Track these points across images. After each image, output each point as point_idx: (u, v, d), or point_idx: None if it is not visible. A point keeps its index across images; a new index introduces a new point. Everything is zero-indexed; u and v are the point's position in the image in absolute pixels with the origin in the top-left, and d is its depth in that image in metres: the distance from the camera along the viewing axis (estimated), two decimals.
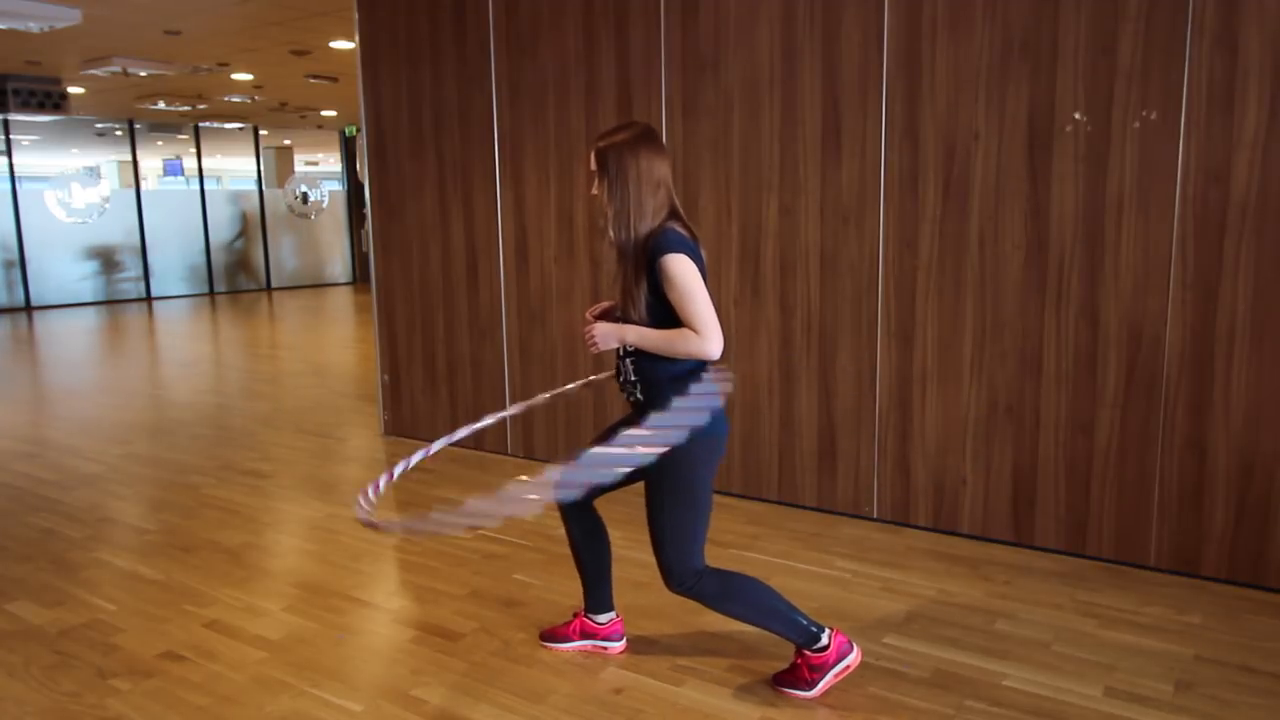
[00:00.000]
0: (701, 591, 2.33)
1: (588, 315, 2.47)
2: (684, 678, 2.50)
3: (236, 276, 15.33)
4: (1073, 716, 2.28)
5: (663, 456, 2.18)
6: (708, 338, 2.19)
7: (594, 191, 2.32)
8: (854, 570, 3.22)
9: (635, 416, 2.34)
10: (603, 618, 2.65)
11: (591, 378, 2.81)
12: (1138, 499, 3.18)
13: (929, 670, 2.52)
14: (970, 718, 2.28)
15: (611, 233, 2.29)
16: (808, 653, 2.38)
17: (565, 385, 2.90)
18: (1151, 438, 3.13)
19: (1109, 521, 3.24)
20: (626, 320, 2.29)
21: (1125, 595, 2.99)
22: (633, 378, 2.32)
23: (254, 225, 15.50)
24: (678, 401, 2.21)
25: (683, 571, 2.30)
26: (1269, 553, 2.99)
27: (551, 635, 2.69)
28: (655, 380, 2.29)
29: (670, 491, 2.28)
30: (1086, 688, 2.41)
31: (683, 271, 2.19)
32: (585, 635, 2.66)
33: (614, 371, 2.43)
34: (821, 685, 2.37)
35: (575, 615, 2.70)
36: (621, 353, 2.35)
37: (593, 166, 2.31)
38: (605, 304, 2.49)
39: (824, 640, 2.36)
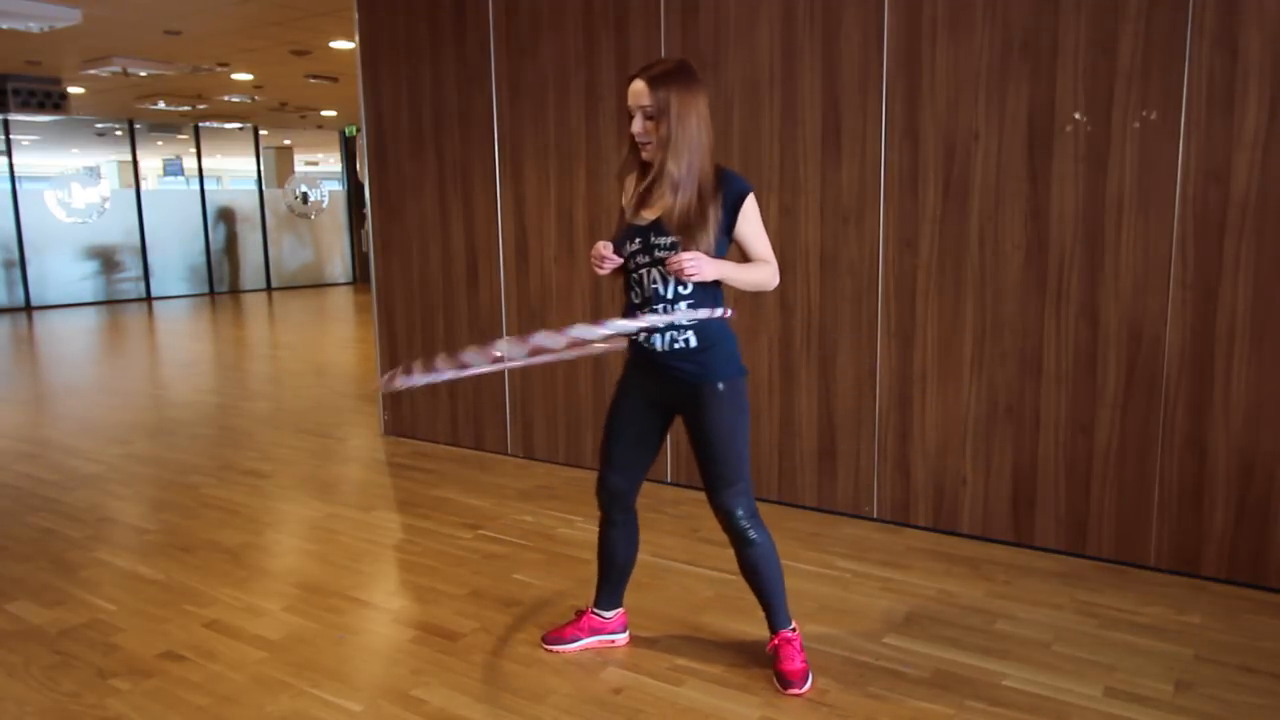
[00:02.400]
0: (759, 526, 2.42)
1: (600, 252, 2.32)
2: (684, 678, 2.50)
3: (223, 279, 15.28)
4: (1073, 716, 2.28)
5: (727, 385, 2.33)
6: (777, 269, 2.40)
7: (637, 128, 2.26)
8: (854, 570, 3.22)
9: (676, 364, 2.35)
10: (611, 613, 2.67)
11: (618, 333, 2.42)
12: (1138, 499, 3.18)
13: (929, 670, 2.52)
14: (970, 718, 2.28)
15: (673, 168, 2.24)
16: (788, 633, 2.47)
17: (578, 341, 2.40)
18: (1151, 438, 3.13)
19: (1109, 521, 3.24)
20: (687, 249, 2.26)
21: (1125, 595, 2.99)
22: (684, 321, 2.31)
23: (242, 227, 15.44)
24: (730, 345, 2.36)
25: (750, 501, 2.40)
26: (1269, 553, 2.99)
27: (558, 638, 2.67)
28: (708, 324, 2.33)
29: (736, 420, 2.36)
30: (1086, 688, 2.41)
31: (757, 207, 2.38)
32: (594, 632, 2.66)
33: (638, 327, 2.32)
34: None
35: (580, 614, 2.69)
36: (670, 295, 2.30)
37: (644, 101, 2.24)
38: (607, 246, 2.34)
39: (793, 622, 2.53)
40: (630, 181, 2.45)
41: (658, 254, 2.30)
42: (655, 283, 2.32)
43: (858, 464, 3.71)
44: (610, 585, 2.65)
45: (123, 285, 14.09)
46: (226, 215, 15.18)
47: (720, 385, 2.34)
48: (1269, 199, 2.86)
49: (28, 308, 13.04)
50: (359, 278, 16.83)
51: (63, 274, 13.42)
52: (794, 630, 2.50)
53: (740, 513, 2.40)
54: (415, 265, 5.02)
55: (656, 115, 2.24)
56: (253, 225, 15.52)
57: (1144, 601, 2.94)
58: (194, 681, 2.52)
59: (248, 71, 9.90)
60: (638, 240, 2.33)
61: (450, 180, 4.79)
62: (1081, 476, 3.27)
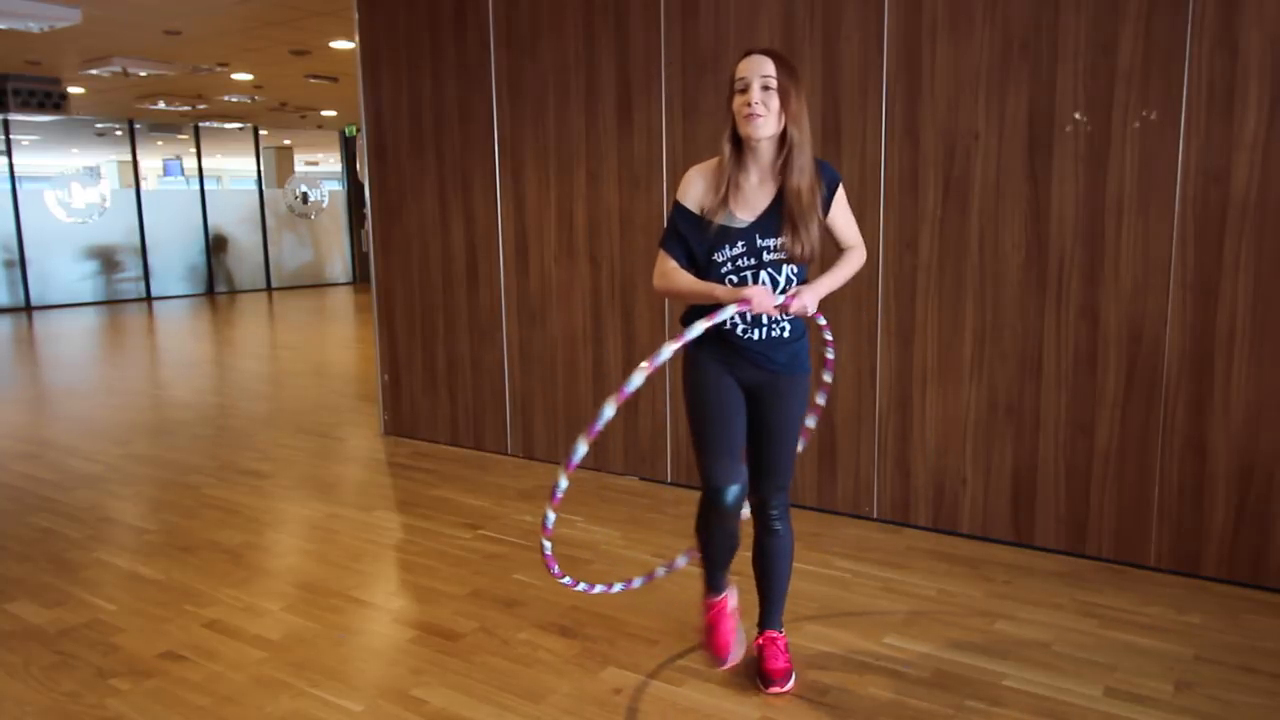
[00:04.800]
0: (786, 521, 2.45)
1: (772, 303, 2.19)
2: (684, 678, 2.50)
3: (219, 281, 15.27)
4: (1073, 716, 2.28)
5: (806, 379, 2.39)
6: (864, 247, 2.46)
7: (756, 97, 2.14)
8: (854, 570, 3.22)
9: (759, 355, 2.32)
10: (724, 593, 2.50)
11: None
12: (1138, 499, 3.18)
13: (929, 670, 2.52)
14: (970, 718, 2.28)
15: (798, 136, 2.19)
16: (775, 633, 2.49)
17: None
18: (1151, 438, 3.13)
19: (1109, 521, 3.24)
20: (788, 253, 2.25)
21: (1125, 595, 2.99)
22: (784, 319, 2.33)
23: (243, 228, 15.43)
24: (807, 339, 2.39)
25: (786, 496, 2.44)
26: (1269, 553, 2.99)
27: (727, 652, 2.43)
28: (796, 317, 2.36)
29: (801, 413, 2.40)
30: (1086, 688, 2.41)
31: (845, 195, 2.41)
32: (731, 618, 2.47)
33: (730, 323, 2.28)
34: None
35: (714, 613, 2.46)
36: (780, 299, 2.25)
37: (767, 70, 2.14)
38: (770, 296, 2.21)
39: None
40: (701, 183, 2.30)
41: (767, 256, 2.23)
42: (764, 284, 2.24)
43: (858, 464, 3.71)
44: (726, 566, 2.45)
45: (123, 285, 14.10)
46: (220, 242, 15.15)
47: (801, 377, 2.38)
48: (1269, 199, 2.86)
49: (28, 308, 13.04)
50: (359, 278, 16.84)
51: (63, 274, 13.43)
52: (781, 632, 2.52)
53: (775, 503, 2.42)
54: (415, 265, 5.02)
55: (779, 88, 2.16)
56: (253, 225, 15.52)
57: (1144, 601, 2.94)
58: (194, 681, 2.52)
59: (248, 71, 9.90)
60: (740, 243, 2.23)
61: (450, 180, 4.79)
62: (1081, 476, 3.27)
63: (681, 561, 2.70)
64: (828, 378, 2.71)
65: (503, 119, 4.53)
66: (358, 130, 5.53)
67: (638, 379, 2.01)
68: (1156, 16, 2.95)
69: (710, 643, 2.44)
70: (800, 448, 2.50)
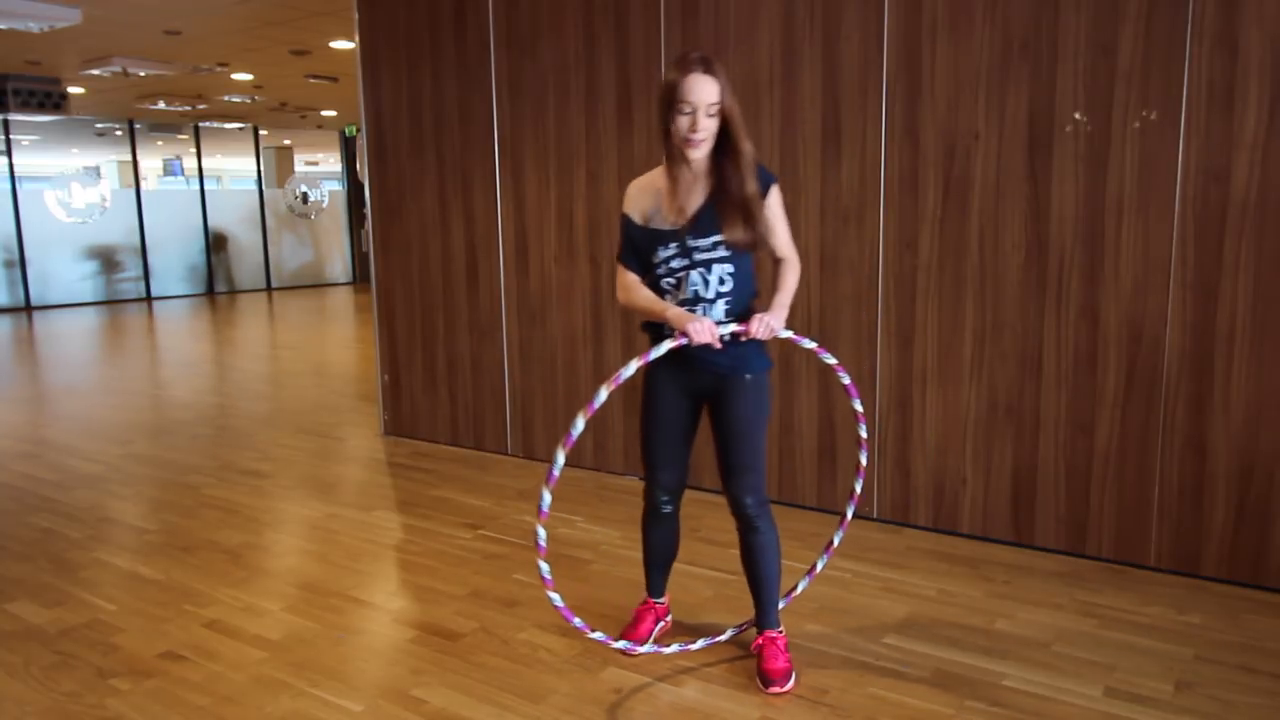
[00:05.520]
0: (767, 518, 2.48)
1: (713, 332, 2.24)
2: (684, 678, 2.50)
3: (219, 281, 15.26)
4: (1073, 716, 2.28)
5: (755, 378, 2.41)
6: (798, 260, 2.50)
7: (704, 128, 2.21)
8: (854, 570, 3.22)
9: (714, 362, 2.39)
10: (664, 598, 2.78)
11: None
12: (1138, 499, 3.18)
13: (929, 670, 2.52)
14: (970, 718, 2.28)
15: (747, 148, 2.28)
16: (774, 633, 2.52)
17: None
18: (1151, 438, 3.13)
19: (1109, 521, 3.24)
20: (728, 248, 2.31)
21: (1125, 595, 2.99)
22: (722, 318, 2.38)
23: (242, 228, 15.43)
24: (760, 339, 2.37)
25: (761, 491, 2.45)
26: (1269, 553, 2.99)
27: (637, 638, 2.65)
28: (742, 318, 2.39)
29: (760, 411, 2.44)
30: (1086, 688, 2.41)
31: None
32: (658, 618, 2.74)
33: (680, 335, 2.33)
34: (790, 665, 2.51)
35: (643, 609, 2.74)
36: (710, 295, 2.33)
37: (714, 98, 2.20)
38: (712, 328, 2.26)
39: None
40: (642, 192, 2.41)
41: (698, 256, 2.31)
42: (695, 284, 2.33)
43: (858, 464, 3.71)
44: (665, 572, 2.72)
45: (123, 285, 14.10)
46: (219, 240, 15.15)
47: (749, 377, 2.40)
48: (1269, 199, 2.86)
49: (28, 308, 13.04)
50: (359, 278, 16.84)
51: (63, 274, 13.43)
52: (780, 631, 2.54)
53: (750, 500, 2.44)
54: (415, 265, 5.02)
55: (721, 111, 2.23)
56: (253, 225, 15.52)
57: (1144, 601, 2.94)
58: (194, 681, 2.52)
59: (248, 71, 9.90)
60: (673, 245, 2.32)
61: (450, 180, 4.79)
62: (1081, 476, 3.27)
63: (729, 633, 2.69)
64: (858, 406, 2.61)
65: (503, 119, 4.53)
66: (358, 130, 5.53)
67: (602, 395, 2.16)
68: (1156, 16, 2.95)
69: (626, 629, 2.69)
70: (863, 460, 2.67)
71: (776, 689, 2.41)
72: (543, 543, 2.23)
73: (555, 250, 4.45)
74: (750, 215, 2.29)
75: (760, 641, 2.52)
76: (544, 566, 2.26)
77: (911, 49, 3.38)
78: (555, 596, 2.28)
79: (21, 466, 4.77)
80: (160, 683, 2.52)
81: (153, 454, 4.97)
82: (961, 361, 3.44)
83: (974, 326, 3.40)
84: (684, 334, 2.23)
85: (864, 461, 2.67)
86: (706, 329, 2.21)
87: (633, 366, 2.20)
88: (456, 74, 4.65)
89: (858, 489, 2.68)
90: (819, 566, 2.59)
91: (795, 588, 2.61)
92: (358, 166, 12.48)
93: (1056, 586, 3.06)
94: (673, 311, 2.30)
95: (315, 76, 10.00)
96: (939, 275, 3.44)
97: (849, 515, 2.68)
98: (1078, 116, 3.12)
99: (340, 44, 8.27)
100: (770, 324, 2.27)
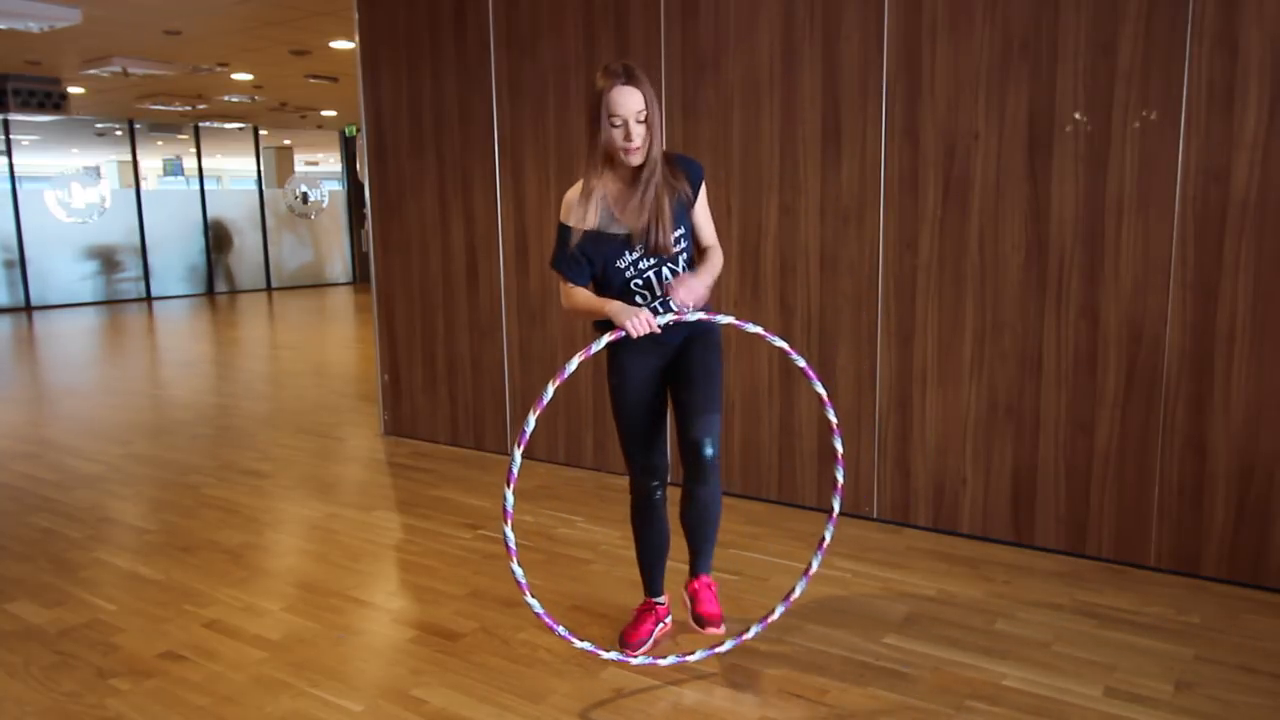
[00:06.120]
0: (718, 466, 2.49)
1: (653, 323, 2.30)
2: (684, 678, 2.50)
3: (219, 280, 15.25)
4: (1073, 716, 2.28)
5: (716, 335, 2.52)
6: (721, 251, 2.54)
7: (638, 137, 2.29)
8: (854, 570, 3.22)
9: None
10: (664, 597, 2.76)
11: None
12: (1138, 499, 3.18)
13: (929, 670, 2.52)
14: (970, 718, 2.28)
15: (658, 154, 2.35)
16: (709, 578, 2.59)
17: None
18: (1151, 438, 3.13)
19: (1109, 521, 3.24)
20: (656, 249, 2.39)
21: (1125, 595, 2.99)
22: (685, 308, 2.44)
23: (242, 228, 15.42)
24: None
25: (718, 440, 2.45)
26: (1269, 553, 2.99)
27: (640, 639, 2.64)
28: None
29: (718, 363, 2.50)
30: (1086, 688, 2.41)
31: None
32: (659, 619, 2.72)
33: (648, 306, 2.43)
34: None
35: (644, 608, 2.72)
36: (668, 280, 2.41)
37: (640, 106, 2.28)
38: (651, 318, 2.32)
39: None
40: (581, 203, 2.42)
41: (664, 253, 2.41)
42: (668, 279, 2.42)
43: (858, 464, 3.71)
44: (662, 567, 2.71)
45: (123, 285, 14.10)
46: (219, 228, 15.14)
47: (709, 330, 2.51)
48: (1269, 199, 2.86)
49: (28, 308, 13.04)
50: (359, 278, 16.84)
51: (63, 274, 13.43)
52: (711, 576, 2.62)
53: (709, 444, 2.40)
54: (415, 265, 5.02)
55: (648, 118, 2.31)
56: (253, 225, 15.52)
57: (1144, 601, 2.94)
58: (194, 681, 2.52)
59: (248, 71, 9.90)
60: (639, 247, 2.40)
61: (450, 180, 4.79)
62: (1081, 476, 3.27)
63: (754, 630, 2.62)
64: (820, 389, 2.51)
65: (503, 119, 4.53)
66: (358, 130, 5.53)
67: (549, 391, 2.25)
68: (1156, 16, 2.95)
69: (627, 630, 2.67)
70: (838, 446, 2.55)
71: (713, 629, 2.48)
72: (512, 545, 2.26)
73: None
74: (664, 213, 2.38)
75: (695, 586, 2.56)
76: (518, 571, 2.28)
77: (911, 49, 3.38)
78: (535, 603, 2.29)
79: (21, 466, 4.77)
80: (160, 683, 2.52)
81: (153, 454, 4.98)
82: (961, 361, 3.44)
83: (974, 326, 3.40)
84: (622, 329, 2.29)
85: (840, 448, 2.54)
86: (644, 320, 2.28)
87: (575, 362, 2.27)
88: (456, 74, 4.65)
89: (839, 478, 2.53)
90: (814, 566, 2.57)
91: (793, 590, 2.58)
92: (358, 166, 12.48)
93: (1056, 586, 3.06)
94: (612, 306, 2.35)
95: (315, 76, 10.00)
96: (939, 275, 3.44)
97: (836, 508, 2.55)
98: (1078, 116, 3.12)
99: (340, 44, 8.27)
100: (691, 284, 2.31)
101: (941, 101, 3.35)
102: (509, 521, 2.26)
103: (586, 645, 2.38)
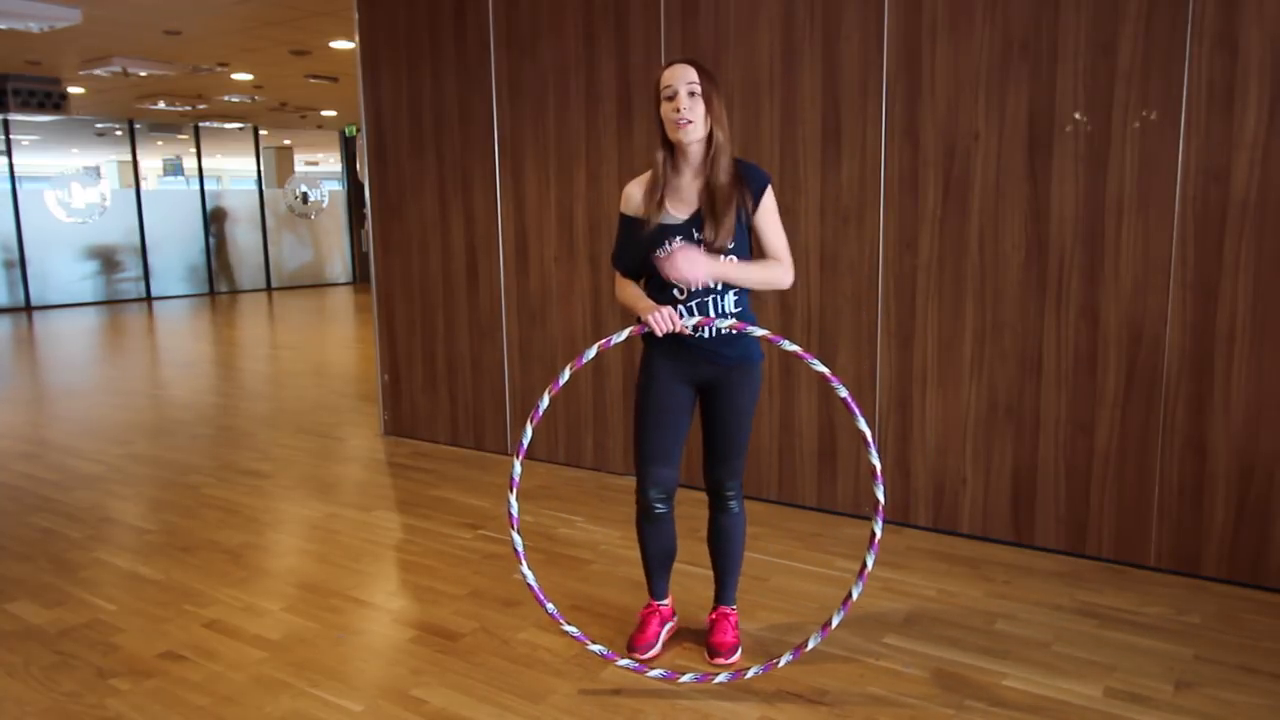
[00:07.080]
0: (741, 501, 2.55)
1: (674, 320, 2.26)
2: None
3: (219, 281, 15.25)
4: (1073, 716, 2.28)
5: (756, 369, 2.47)
6: (791, 267, 2.43)
7: (684, 103, 2.26)
8: (854, 570, 3.21)
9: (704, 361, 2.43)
10: (668, 600, 2.74)
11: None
12: (1138, 499, 3.18)
13: (929, 670, 2.52)
14: (970, 718, 2.28)
15: (721, 136, 2.32)
16: (728, 609, 2.63)
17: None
18: (1151, 438, 3.13)
19: (1109, 521, 3.24)
20: (706, 242, 2.33)
21: (1125, 595, 2.99)
22: (731, 310, 2.41)
23: (242, 227, 15.41)
24: (753, 329, 2.37)
25: (740, 479, 2.52)
26: (1269, 553, 2.99)
27: (647, 643, 2.60)
28: (745, 310, 2.45)
29: (754, 402, 2.50)
30: (1086, 688, 2.41)
31: (775, 201, 2.43)
32: (663, 621, 2.70)
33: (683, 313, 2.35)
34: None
35: (647, 611, 2.68)
36: (719, 286, 2.36)
37: (691, 78, 2.28)
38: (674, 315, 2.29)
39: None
40: (639, 192, 2.44)
41: (703, 249, 2.35)
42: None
43: (858, 464, 3.71)
44: (666, 573, 2.68)
45: (123, 285, 14.09)
46: (218, 216, 15.14)
47: (751, 367, 2.47)
48: (1269, 199, 2.86)
49: (28, 308, 13.04)
50: (359, 278, 16.84)
51: (63, 274, 13.42)
52: (734, 608, 2.65)
53: (729, 485, 2.54)
54: (415, 265, 5.02)
55: (703, 94, 2.30)
56: (253, 225, 15.51)
57: (1144, 601, 2.94)
58: (194, 681, 2.52)
59: (248, 71, 9.90)
60: (678, 238, 2.36)
61: (450, 180, 4.79)
62: (1081, 476, 3.27)
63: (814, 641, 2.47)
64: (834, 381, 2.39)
65: (503, 119, 4.53)
66: (358, 130, 5.53)
67: (565, 375, 2.34)
68: (1156, 16, 2.95)
69: (634, 635, 2.64)
70: (875, 461, 2.36)
71: (721, 660, 2.51)
72: (520, 550, 2.27)
73: (555, 250, 4.45)
74: (722, 211, 2.33)
75: (714, 616, 2.61)
76: (529, 575, 2.29)
77: (911, 49, 3.38)
78: (551, 606, 2.33)
79: (21, 466, 4.77)
80: (160, 683, 2.52)
81: (153, 454, 4.97)
82: (961, 361, 3.44)
83: (974, 326, 3.40)
84: (645, 324, 2.30)
85: (877, 463, 2.36)
86: (666, 316, 2.28)
87: (593, 350, 2.33)
88: (456, 74, 4.65)
89: (880, 497, 2.37)
90: (854, 594, 2.35)
91: (830, 622, 2.38)
92: (358, 166, 12.48)
93: (1056, 586, 3.06)
94: (643, 304, 2.37)
95: (315, 76, 10.00)
96: (939, 275, 3.44)
97: (878, 532, 2.36)
98: (1078, 116, 3.12)
99: (340, 44, 8.27)
100: (691, 255, 2.25)
101: (941, 101, 3.35)
102: (515, 527, 2.29)
103: (600, 649, 2.39)
